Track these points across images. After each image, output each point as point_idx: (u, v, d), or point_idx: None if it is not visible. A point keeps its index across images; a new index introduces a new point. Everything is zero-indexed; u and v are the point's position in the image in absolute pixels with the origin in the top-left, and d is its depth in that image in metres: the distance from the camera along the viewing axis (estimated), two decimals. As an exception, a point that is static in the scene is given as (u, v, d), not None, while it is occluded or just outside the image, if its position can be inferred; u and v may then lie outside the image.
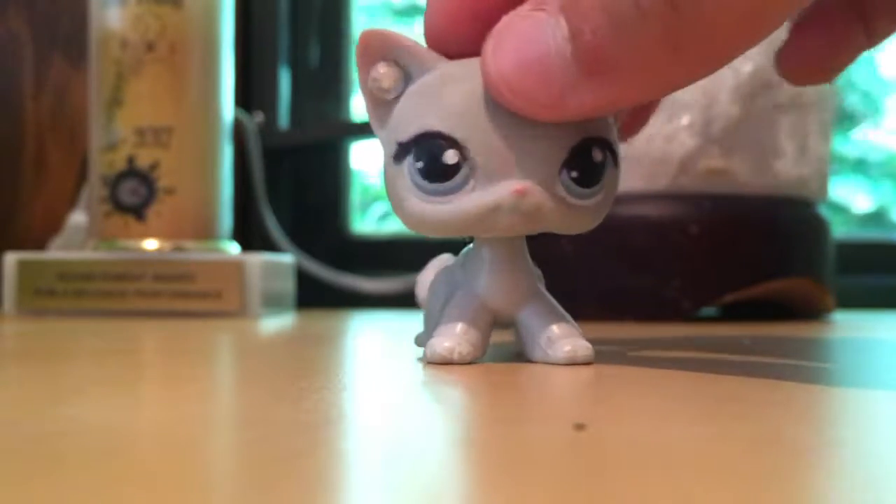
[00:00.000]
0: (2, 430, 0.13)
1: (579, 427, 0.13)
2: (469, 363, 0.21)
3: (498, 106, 0.19)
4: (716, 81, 0.42)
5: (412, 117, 0.20)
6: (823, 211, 0.48)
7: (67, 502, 0.09)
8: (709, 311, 0.46)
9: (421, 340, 0.24)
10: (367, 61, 0.21)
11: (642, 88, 0.18)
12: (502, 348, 0.24)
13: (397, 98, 0.21)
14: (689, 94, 0.42)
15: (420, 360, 0.22)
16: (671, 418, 0.15)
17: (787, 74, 0.23)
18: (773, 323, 0.42)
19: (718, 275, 0.43)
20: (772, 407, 0.16)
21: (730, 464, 0.11)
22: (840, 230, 0.50)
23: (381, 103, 0.21)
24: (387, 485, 0.10)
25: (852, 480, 0.11)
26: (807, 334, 0.35)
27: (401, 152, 0.20)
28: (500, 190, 0.19)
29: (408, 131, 0.20)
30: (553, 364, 0.21)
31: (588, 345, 0.21)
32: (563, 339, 0.21)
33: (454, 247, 0.23)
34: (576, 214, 0.20)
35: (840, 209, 0.66)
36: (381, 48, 0.20)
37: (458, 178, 0.19)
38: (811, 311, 0.47)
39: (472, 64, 0.20)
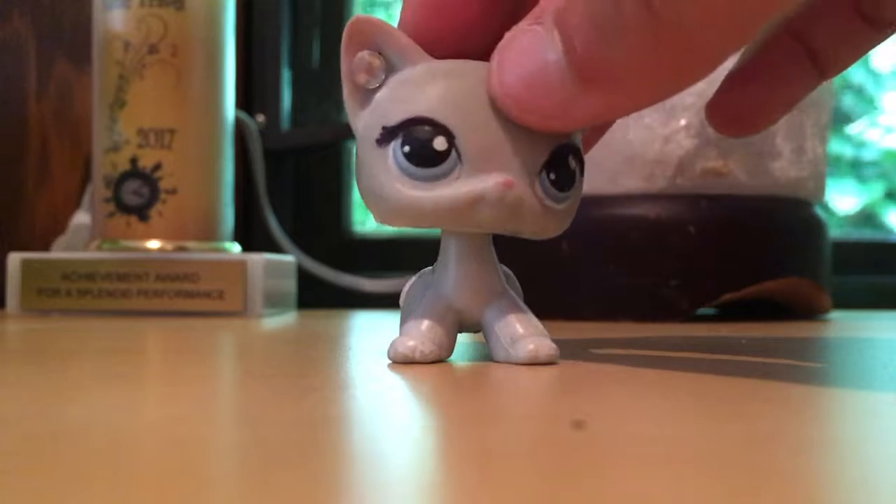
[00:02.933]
0: (5, 428, 0.13)
1: (578, 424, 0.13)
2: (433, 362, 0.21)
3: (488, 102, 0.20)
4: (714, 83, 0.42)
5: (400, 103, 0.20)
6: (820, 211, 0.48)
7: (70, 501, 0.09)
8: (706, 310, 0.46)
9: None
10: (353, 48, 0.21)
11: (638, 95, 0.18)
12: (475, 348, 0.24)
13: (378, 87, 0.21)
14: (687, 96, 0.42)
15: (375, 359, 0.22)
16: (668, 417, 0.15)
17: (723, 125, 0.23)
18: (770, 322, 0.42)
19: (716, 275, 0.43)
20: (769, 406, 0.16)
21: (727, 462, 0.11)
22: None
23: (361, 90, 0.21)
24: (387, 484, 0.10)
25: (849, 479, 0.11)
26: (804, 334, 0.35)
27: (386, 136, 0.20)
28: (487, 180, 0.19)
29: (396, 116, 0.20)
30: (516, 364, 0.21)
31: (552, 344, 0.21)
32: (525, 338, 0.21)
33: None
34: (548, 217, 0.21)
35: (826, 209, 0.67)
36: (369, 36, 0.20)
37: (445, 166, 0.20)
38: (808, 311, 0.48)
39: (461, 63, 0.20)
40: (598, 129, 0.25)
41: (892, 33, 0.22)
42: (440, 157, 0.20)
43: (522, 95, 0.19)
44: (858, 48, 0.23)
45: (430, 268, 0.23)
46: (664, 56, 0.17)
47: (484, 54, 0.20)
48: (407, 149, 0.20)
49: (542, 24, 0.18)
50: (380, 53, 0.20)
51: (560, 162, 0.20)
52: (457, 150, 0.20)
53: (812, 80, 0.23)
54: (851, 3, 0.22)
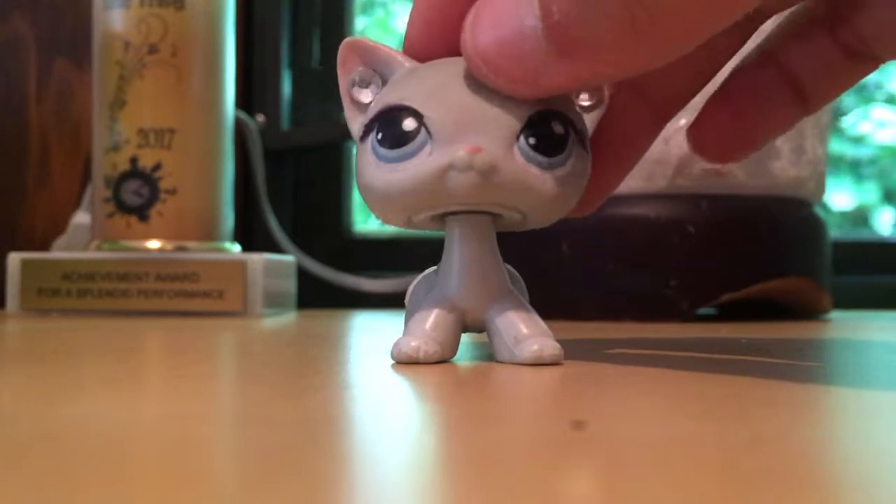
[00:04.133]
0: (5, 427, 0.13)
1: (578, 425, 0.13)
2: (436, 363, 0.21)
3: (460, 81, 0.20)
4: (713, 83, 0.42)
5: (379, 100, 0.21)
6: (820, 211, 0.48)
7: (70, 500, 0.09)
8: (706, 310, 0.46)
9: None
10: (348, 69, 0.22)
11: (610, 67, 0.18)
12: (478, 348, 0.24)
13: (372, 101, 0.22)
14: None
15: (375, 359, 0.22)
16: (669, 417, 0.15)
17: (703, 150, 0.23)
18: (770, 322, 0.42)
19: (716, 275, 0.43)
20: (769, 406, 0.16)
21: (727, 462, 0.11)
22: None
23: (359, 107, 0.22)
24: (387, 484, 0.10)
25: (849, 479, 0.11)
26: (804, 334, 0.35)
27: (366, 131, 0.21)
28: (454, 150, 0.20)
29: (373, 113, 0.21)
30: (520, 364, 0.21)
31: (556, 345, 0.21)
32: (530, 338, 0.21)
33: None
34: (540, 182, 0.20)
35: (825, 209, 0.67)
36: (360, 56, 0.22)
37: (415, 144, 0.20)
38: (808, 311, 0.48)
39: (438, 62, 0.21)
40: (597, 193, 0.23)
41: (875, 68, 0.22)
42: (409, 136, 0.20)
43: (494, 58, 0.19)
44: (842, 82, 0.23)
45: (435, 268, 0.23)
46: (637, 30, 0.17)
47: None
48: (380, 135, 0.20)
49: None
50: (373, 70, 0.22)
51: (541, 127, 0.20)
52: (426, 128, 0.20)
53: (795, 113, 0.23)
54: (829, 34, 0.22)
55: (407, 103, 0.20)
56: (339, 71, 0.22)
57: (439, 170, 0.20)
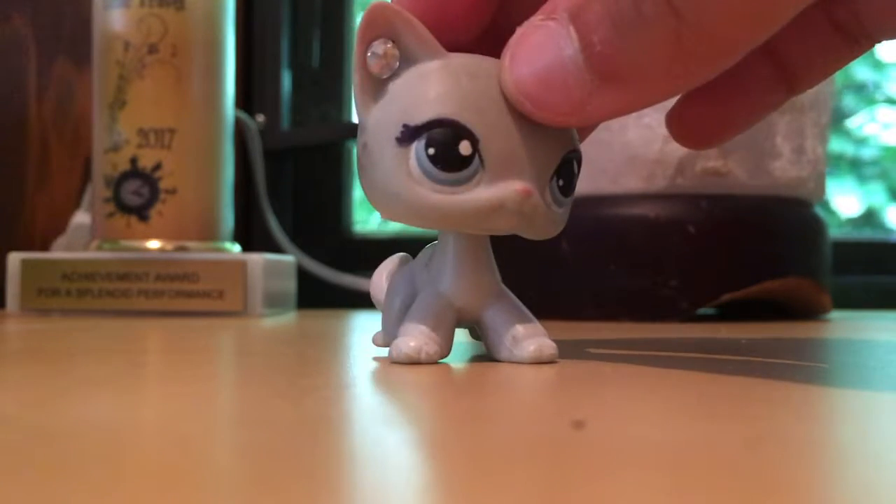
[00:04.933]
0: (5, 427, 0.13)
1: (578, 425, 0.13)
2: (435, 363, 0.21)
3: (509, 106, 0.19)
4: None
5: (424, 102, 0.19)
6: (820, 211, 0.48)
7: (70, 500, 0.09)
8: (706, 310, 0.46)
9: (379, 340, 0.25)
10: (369, 36, 0.20)
11: (655, 91, 0.18)
12: (471, 347, 0.24)
13: (390, 78, 0.20)
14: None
15: (375, 359, 0.22)
16: (668, 417, 0.15)
17: (682, 136, 0.23)
18: (770, 322, 0.42)
19: (716, 275, 0.43)
20: (769, 406, 0.16)
21: (727, 463, 0.11)
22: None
23: (373, 80, 0.20)
24: (387, 484, 0.10)
25: (850, 479, 0.11)
26: (804, 334, 0.35)
27: (408, 136, 0.19)
28: (507, 188, 0.19)
29: (421, 116, 0.19)
30: (519, 363, 0.21)
31: (553, 344, 0.21)
32: (528, 338, 0.21)
33: (425, 243, 0.23)
34: (551, 221, 0.21)
35: (829, 212, 0.67)
36: (386, 24, 0.20)
37: (468, 171, 0.19)
38: (808, 311, 0.48)
39: (481, 60, 0.20)
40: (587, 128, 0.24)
41: (868, 48, 0.22)
42: (465, 162, 0.19)
43: (537, 92, 0.19)
44: (831, 63, 0.22)
45: (405, 257, 0.23)
46: (684, 52, 0.17)
47: (475, 46, 0.21)
48: (431, 151, 0.19)
49: (555, 19, 0.18)
50: (394, 43, 0.20)
51: (567, 168, 0.21)
52: (480, 156, 0.19)
53: (780, 96, 0.23)
54: (825, 14, 0.21)
55: (462, 121, 0.19)
56: (358, 38, 0.20)
57: (492, 207, 0.19)
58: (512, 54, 0.19)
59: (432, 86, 0.19)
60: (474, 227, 0.20)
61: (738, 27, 0.17)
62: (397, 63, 0.20)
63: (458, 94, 0.19)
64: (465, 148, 0.19)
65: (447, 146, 0.19)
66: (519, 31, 0.19)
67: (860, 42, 0.22)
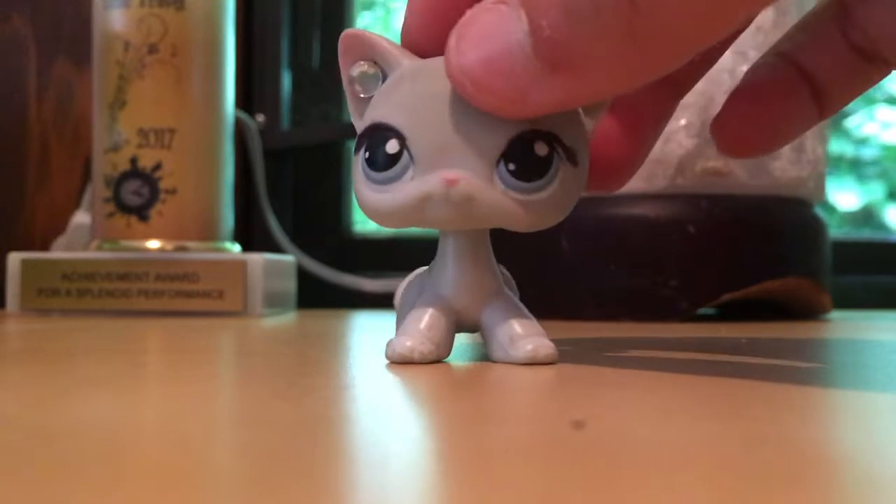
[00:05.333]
0: (5, 427, 0.13)
1: (578, 425, 0.13)
2: (432, 363, 0.21)
3: (443, 100, 0.20)
4: (713, 83, 0.42)
5: (370, 111, 0.21)
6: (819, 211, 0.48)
7: (70, 500, 0.09)
8: (706, 310, 0.46)
9: None
10: (348, 60, 0.21)
11: (603, 84, 0.18)
12: (472, 348, 0.24)
13: (371, 96, 0.21)
14: (688, 95, 0.42)
15: (375, 359, 0.22)
16: (668, 417, 0.15)
17: (725, 146, 0.22)
18: (770, 322, 0.42)
19: (716, 275, 0.43)
20: (769, 406, 0.16)
21: (726, 463, 0.11)
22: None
23: (360, 100, 0.22)
24: (386, 485, 0.10)
25: (850, 480, 0.11)
26: (804, 334, 0.35)
27: (358, 144, 0.21)
28: (432, 179, 0.20)
29: (364, 124, 0.21)
30: (514, 364, 0.21)
31: (550, 344, 0.21)
32: (524, 338, 0.21)
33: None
34: (518, 209, 0.20)
35: (828, 208, 0.66)
36: (360, 48, 0.21)
37: (397, 168, 0.20)
38: (808, 311, 0.48)
39: (433, 61, 0.20)
40: (621, 166, 0.23)
41: (887, 73, 0.22)
42: (393, 160, 0.20)
43: (481, 76, 0.18)
44: (856, 84, 0.22)
45: (426, 268, 0.23)
46: (634, 45, 0.16)
47: None
48: (367, 154, 0.21)
49: (506, 3, 0.18)
50: (375, 63, 0.21)
51: (522, 150, 0.20)
52: (409, 152, 0.20)
53: (812, 117, 0.22)
54: (842, 36, 0.21)
55: (391, 123, 0.20)
56: (341, 62, 0.22)
57: (417, 199, 0.20)
58: (459, 36, 0.18)
59: (381, 95, 0.21)
60: (417, 222, 0.21)
61: (691, 25, 0.16)
62: (378, 81, 0.21)
63: (393, 98, 0.20)
64: (391, 146, 0.20)
65: (376, 147, 0.20)
66: (469, 12, 0.19)
67: (879, 66, 0.22)
